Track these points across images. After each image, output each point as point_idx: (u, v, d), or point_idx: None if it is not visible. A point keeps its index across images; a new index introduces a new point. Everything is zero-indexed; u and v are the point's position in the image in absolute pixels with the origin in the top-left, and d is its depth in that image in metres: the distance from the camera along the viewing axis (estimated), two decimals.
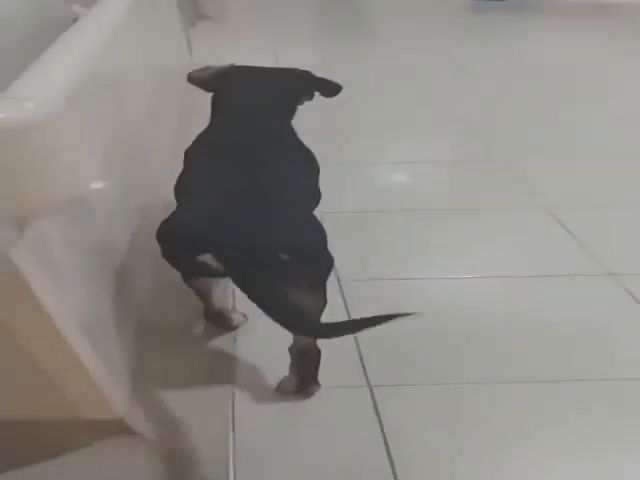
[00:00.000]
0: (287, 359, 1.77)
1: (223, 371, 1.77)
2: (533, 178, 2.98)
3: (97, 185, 1.47)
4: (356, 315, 1.99)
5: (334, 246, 2.37)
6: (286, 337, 1.69)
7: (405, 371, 1.82)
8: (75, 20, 2.05)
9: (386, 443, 1.57)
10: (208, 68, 2.13)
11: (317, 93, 2.17)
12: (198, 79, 2.13)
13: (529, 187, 2.89)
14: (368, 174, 3.13)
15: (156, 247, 1.71)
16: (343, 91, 2.16)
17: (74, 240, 1.47)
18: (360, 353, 1.86)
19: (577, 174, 3.06)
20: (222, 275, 1.66)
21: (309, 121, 3.56)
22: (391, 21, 6.44)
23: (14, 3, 1.80)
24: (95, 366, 1.44)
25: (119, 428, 1.50)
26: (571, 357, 1.88)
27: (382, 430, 1.61)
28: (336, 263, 2.21)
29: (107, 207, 1.77)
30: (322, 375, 1.76)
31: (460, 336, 1.93)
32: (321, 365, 1.76)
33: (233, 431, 1.57)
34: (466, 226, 2.62)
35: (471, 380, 1.78)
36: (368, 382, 1.76)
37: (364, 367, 1.81)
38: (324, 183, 2.88)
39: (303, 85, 2.16)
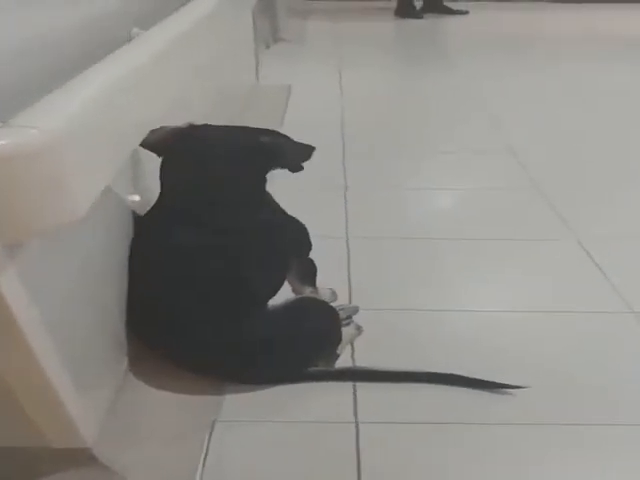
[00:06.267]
0: (275, 395, 1.81)
1: (205, 403, 1.77)
2: (569, 208, 2.93)
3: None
4: (365, 345, 2.01)
5: (356, 271, 2.39)
6: None
7: (398, 408, 1.79)
8: None
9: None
10: (163, 129, 1.93)
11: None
12: (149, 143, 1.92)
13: (563, 218, 2.83)
14: (397, 199, 3.10)
15: None
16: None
17: (61, 263, 1.48)
18: (355, 389, 1.84)
19: (615, 207, 3.00)
20: None
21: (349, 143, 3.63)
22: (468, 51, 6.34)
23: (68, 23, 1.82)
24: (69, 394, 1.45)
25: (86, 458, 1.50)
26: (571, 398, 1.85)
27: (359, 468, 1.57)
28: (356, 290, 2.27)
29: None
30: (310, 411, 1.77)
31: (468, 372, 1.90)
32: (311, 401, 1.79)
33: (203, 465, 1.56)
34: (492, 257, 2.60)
35: (472, 420, 1.77)
36: (356, 418, 1.73)
37: (356, 403, 1.78)
38: (353, 206, 2.91)
39: (263, 152, 2.00)
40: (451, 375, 1.88)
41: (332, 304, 2.15)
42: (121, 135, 1.61)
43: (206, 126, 2.01)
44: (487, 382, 1.86)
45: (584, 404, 1.82)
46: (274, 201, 2.06)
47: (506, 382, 1.86)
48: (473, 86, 4.92)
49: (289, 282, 2.11)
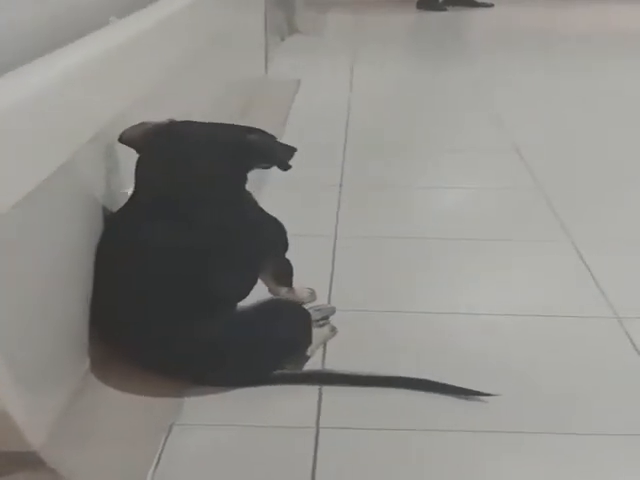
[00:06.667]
0: (238, 399, 1.78)
1: (166, 406, 1.75)
2: (569, 210, 2.87)
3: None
4: (338, 348, 1.99)
5: (339, 271, 2.35)
6: None
7: (363, 413, 1.75)
8: None
9: None
10: (143, 125, 1.89)
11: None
12: (129, 139, 1.90)
13: (561, 220, 2.77)
14: (393, 198, 3.05)
15: None
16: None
17: (13, 261, 1.46)
18: (321, 393, 1.80)
19: (615, 211, 2.93)
20: None
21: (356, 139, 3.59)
22: (488, 46, 6.24)
23: (45, 10, 1.80)
24: (12, 399, 1.43)
25: (33, 461, 1.47)
26: (544, 405, 1.80)
27: (313, 476, 1.54)
28: (337, 290, 2.25)
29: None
30: (272, 415, 1.74)
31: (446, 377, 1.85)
32: (274, 405, 1.77)
33: (155, 469, 1.53)
34: (485, 258, 2.55)
35: (438, 427, 1.73)
36: (318, 423, 1.69)
37: (320, 409, 1.74)
38: (346, 205, 2.87)
39: (249, 151, 1.93)
40: (421, 380, 1.84)
41: (309, 304, 2.12)
42: (58, 132, 1.57)
43: (188, 122, 1.97)
44: (459, 388, 1.82)
45: (558, 412, 1.78)
46: (253, 199, 2.02)
47: (483, 387, 1.81)
48: (488, 82, 4.86)
49: (264, 282, 2.08)
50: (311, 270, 2.34)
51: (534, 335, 2.10)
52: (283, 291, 2.12)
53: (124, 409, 1.73)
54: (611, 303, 2.22)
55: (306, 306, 2.11)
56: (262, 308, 1.92)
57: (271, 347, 1.86)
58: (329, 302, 2.20)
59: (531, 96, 4.61)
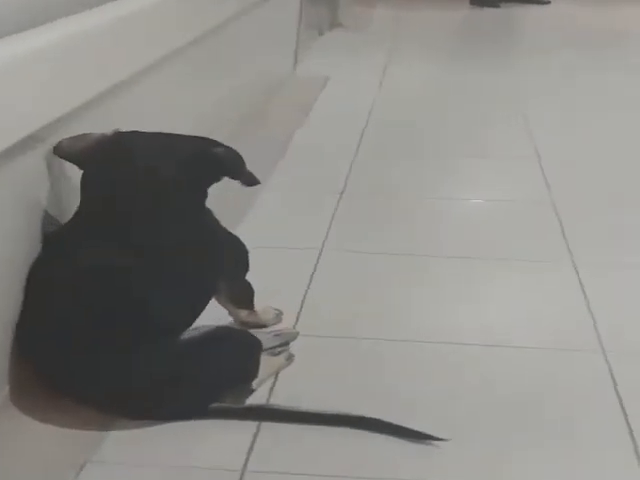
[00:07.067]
0: (166, 434, 1.65)
1: (84, 440, 1.62)
2: (577, 231, 2.67)
3: None
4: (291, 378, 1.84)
5: (316, 289, 2.19)
6: None
7: (300, 456, 1.61)
8: None
9: None
10: (85, 136, 1.77)
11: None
12: (67, 152, 1.78)
13: (567, 239, 2.59)
14: (395, 208, 2.89)
15: None
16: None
17: None
18: (258, 431, 1.65)
19: (624, 236, 2.70)
20: None
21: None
22: (537, 46, 5.99)
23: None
24: None
25: None
26: (499, 453, 1.64)
27: None
28: (308, 312, 2.12)
29: None
30: (198, 454, 1.60)
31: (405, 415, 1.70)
32: (203, 443, 1.63)
33: None
34: (479, 279, 2.40)
35: (377, 476, 1.57)
36: (245, 466, 1.55)
37: (252, 449, 1.60)
38: (342, 213, 2.71)
39: (215, 164, 1.81)
40: (371, 420, 1.69)
41: (270, 328, 1.98)
42: None
43: (136, 133, 1.83)
44: (412, 431, 1.67)
45: (511, 460, 1.62)
46: (212, 217, 1.88)
47: (447, 427, 1.66)
48: (525, 86, 4.63)
49: (222, 305, 1.95)
50: (284, 287, 2.21)
51: (513, 368, 1.95)
52: (243, 314, 1.98)
53: (36, 442, 1.61)
54: (601, 336, 2.06)
55: (265, 330, 1.98)
56: (205, 337, 1.78)
57: (209, 378, 1.72)
58: (296, 325, 2.05)
59: (572, 102, 4.35)
